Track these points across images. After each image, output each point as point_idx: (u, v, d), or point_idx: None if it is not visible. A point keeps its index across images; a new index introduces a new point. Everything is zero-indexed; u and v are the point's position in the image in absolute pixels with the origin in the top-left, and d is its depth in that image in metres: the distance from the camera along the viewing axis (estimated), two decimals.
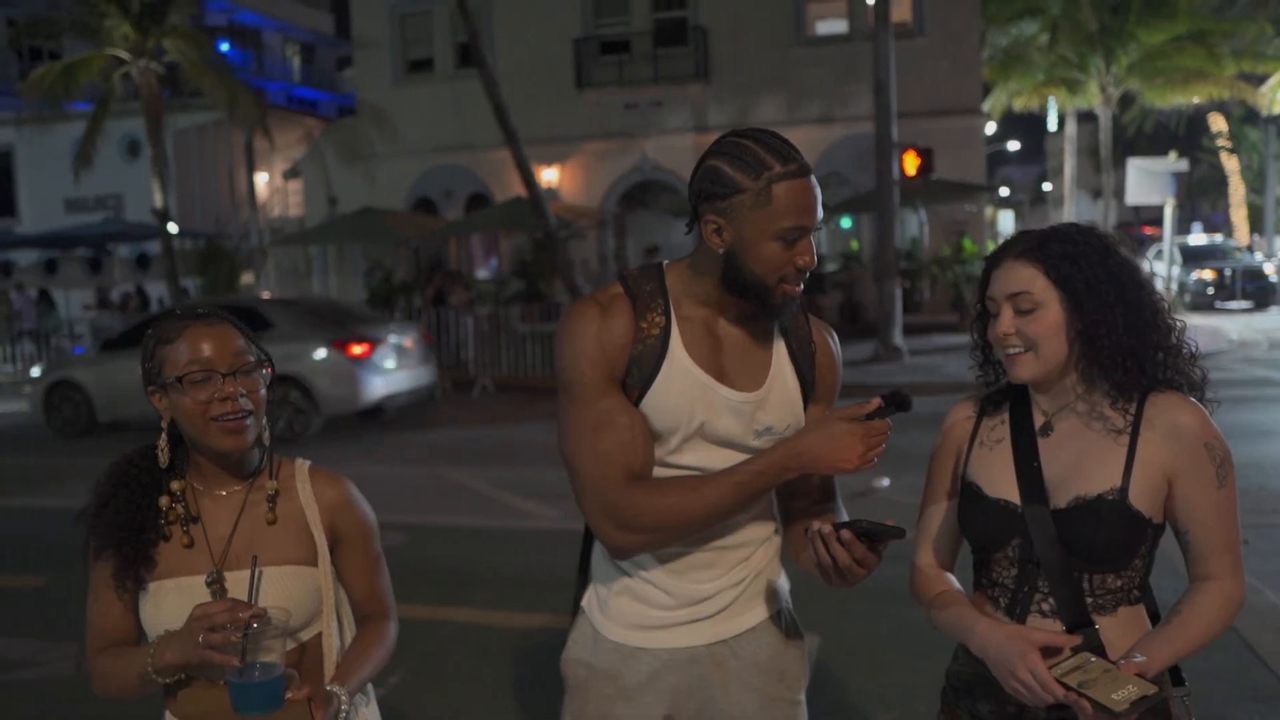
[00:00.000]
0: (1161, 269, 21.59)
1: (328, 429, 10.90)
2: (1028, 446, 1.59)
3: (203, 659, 1.49)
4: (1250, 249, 28.92)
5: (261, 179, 27.14)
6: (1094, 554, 1.52)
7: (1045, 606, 1.56)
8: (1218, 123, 36.22)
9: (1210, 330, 17.78)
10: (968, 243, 19.18)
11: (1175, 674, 1.62)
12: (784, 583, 1.83)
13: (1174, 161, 19.09)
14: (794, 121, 19.49)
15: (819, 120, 19.51)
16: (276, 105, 31.78)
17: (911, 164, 14.74)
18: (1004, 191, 36.76)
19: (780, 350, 1.72)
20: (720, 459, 1.66)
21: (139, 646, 1.63)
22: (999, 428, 1.64)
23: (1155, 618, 1.62)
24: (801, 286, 1.64)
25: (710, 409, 1.64)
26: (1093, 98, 22.97)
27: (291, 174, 24.89)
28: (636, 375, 1.64)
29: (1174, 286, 21.63)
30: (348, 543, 1.76)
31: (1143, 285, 1.57)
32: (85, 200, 25.26)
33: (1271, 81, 24.96)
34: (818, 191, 1.60)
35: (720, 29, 20.02)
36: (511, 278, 19.56)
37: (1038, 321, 1.55)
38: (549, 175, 20.71)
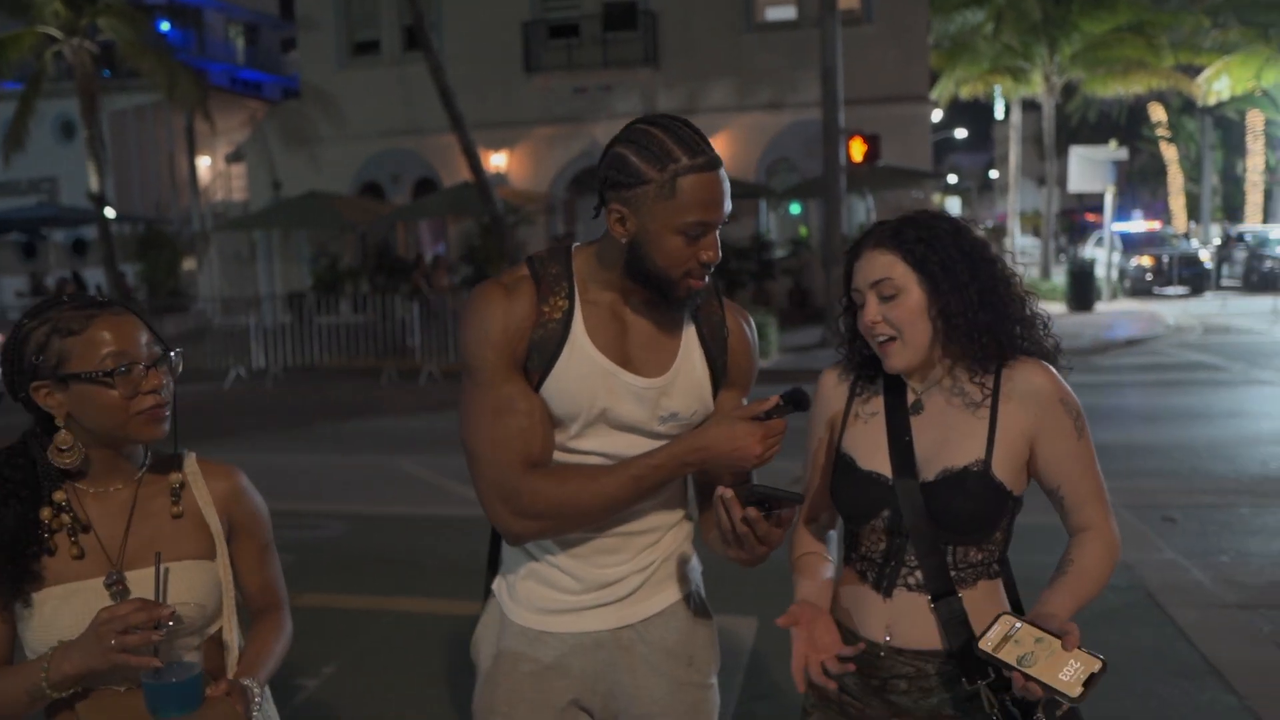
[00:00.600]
0: (1102, 255, 22.04)
1: (263, 418, 10.74)
2: (900, 423, 1.66)
3: (114, 664, 1.44)
4: (1187, 236, 29.61)
5: (203, 163, 26.59)
6: (959, 525, 1.59)
7: (912, 580, 1.62)
8: (1157, 113, 36.95)
9: (1148, 315, 18.19)
10: None
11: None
12: (695, 566, 1.83)
13: (1114, 150, 19.46)
14: (743, 107, 19.52)
15: (768, 106, 19.56)
16: (219, 87, 31.12)
17: (858, 150, 14.84)
18: (952, 179, 37.18)
19: (690, 335, 1.71)
20: (624, 445, 1.66)
21: (25, 663, 1.54)
22: (873, 401, 1.71)
23: (1012, 592, 1.69)
24: (707, 279, 1.64)
25: (612, 395, 1.64)
26: (1037, 86, 23.31)
27: (234, 157, 24.41)
28: (537, 360, 1.63)
29: (1114, 273, 22.09)
30: (243, 534, 1.72)
31: (994, 261, 1.64)
32: (18, 183, 24.55)
33: (1207, 73, 25.54)
34: (726, 186, 1.58)
35: (670, 14, 19.95)
36: (459, 263, 19.40)
37: (901, 306, 1.61)
38: (497, 160, 20.54)
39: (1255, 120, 32.86)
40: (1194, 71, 25.56)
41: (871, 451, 1.67)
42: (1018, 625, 1.46)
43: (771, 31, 19.88)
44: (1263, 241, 24.62)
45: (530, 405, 1.62)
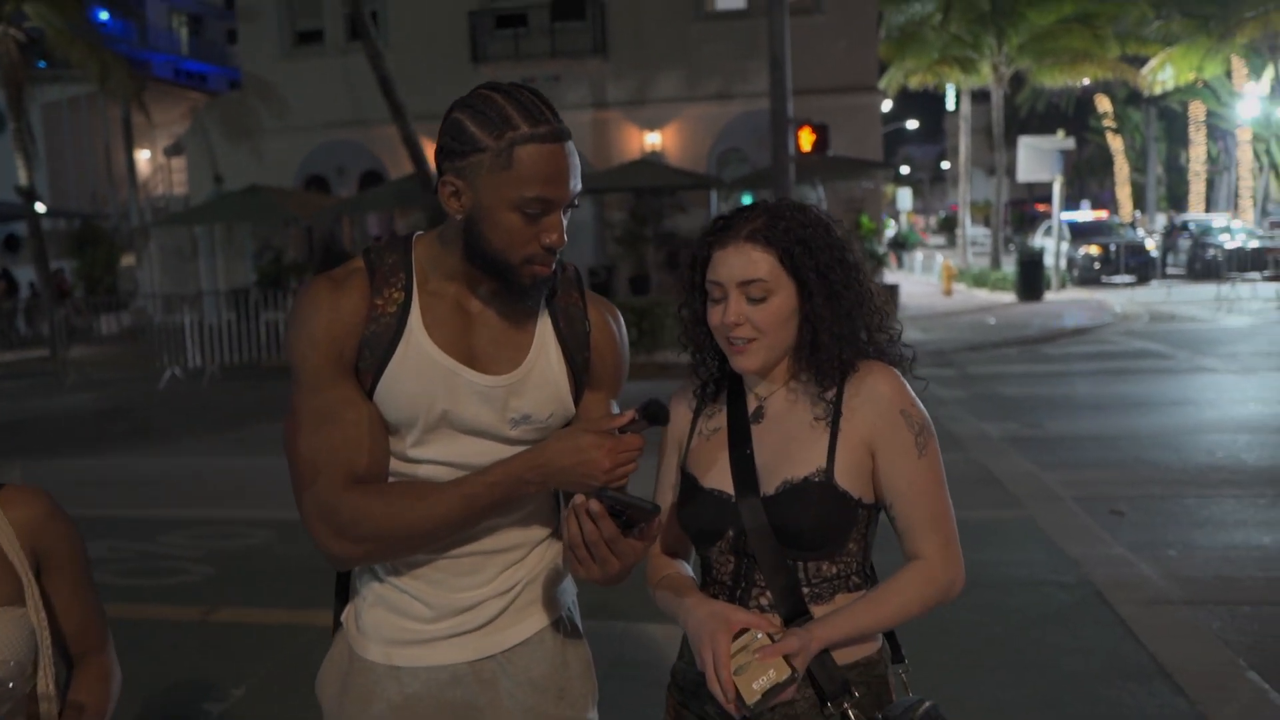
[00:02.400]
0: (1050, 244, 22.21)
1: (196, 419, 10.39)
2: (741, 433, 1.55)
3: None
4: (1134, 225, 30.01)
5: (142, 156, 25.88)
6: (804, 539, 1.47)
7: (764, 601, 1.50)
8: (1103, 104, 37.46)
9: (1095, 304, 18.35)
10: (865, 219, 19.38)
11: (895, 649, 1.59)
12: (567, 587, 1.64)
13: (1062, 140, 19.58)
14: (692, 97, 19.35)
15: (717, 96, 19.41)
16: (162, 79, 30.41)
17: (807, 140, 14.74)
18: (905, 170, 37.41)
19: (545, 330, 1.53)
20: (472, 452, 1.48)
21: None
22: (716, 416, 1.60)
23: None
24: (553, 268, 1.46)
25: (453, 395, 1.46)
26: (985, 77, 23.44)
27: (174, 150, 23.77)
28: (369, 358, 1.44)
29: (1063, 262, 22.28)
30: (53, 567, 1.49)
31: (859, 267, 1.54)
32: None
33: (1152, 64, 25.86)
34: (573, 161, 1.41)
35: (619, 3, 19.71)
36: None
37: (768, 309, 1.49)
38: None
39: (1197, 111, 33.43)
40: (1139, 62, 25.87)
41: (713, 468, 1.55)
42: (758, 635, 1.41)
43: (721, 21, 19.72)
44: (1206, 230, 25.01)
45: (358, 413, 1.44)
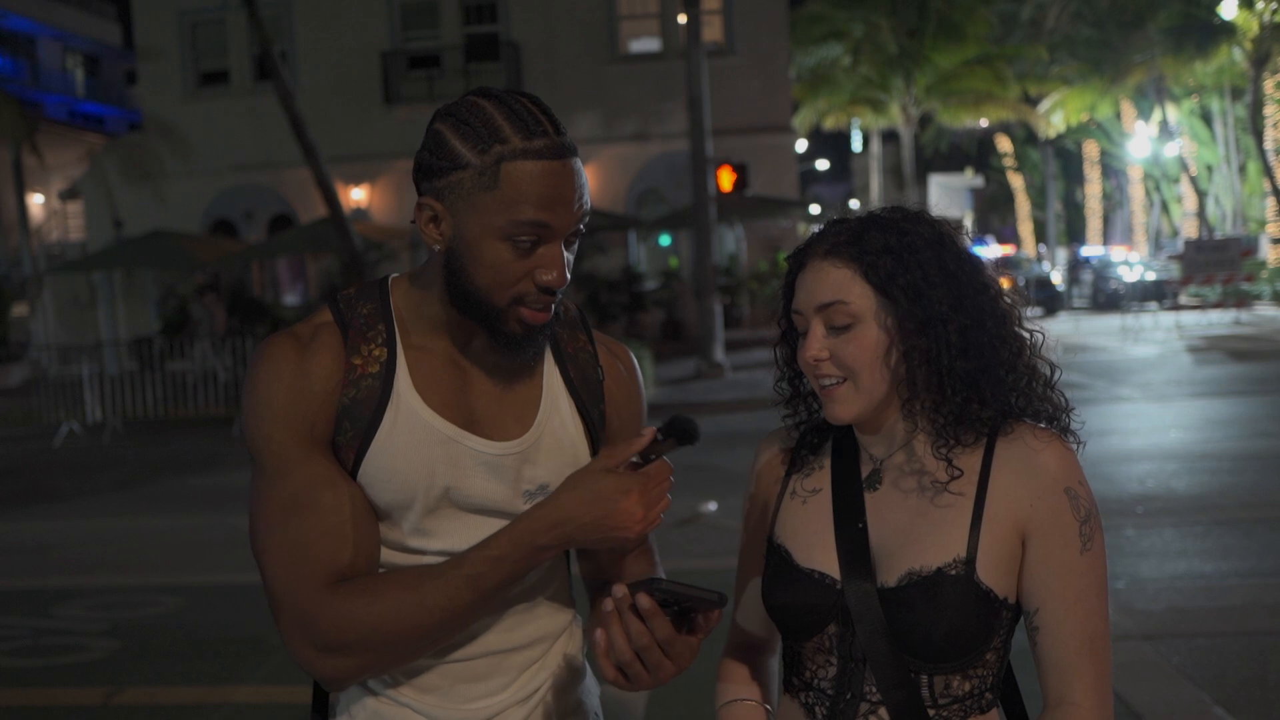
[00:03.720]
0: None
1: (96, 478, 9.76)
2: (851, 502, 1.22)
3: None
4: (1039, 260, 31.04)
5: (36, 200, 24.76)
6: (933, 648, 1.15)
7: None
8: (1004, 144, 38.90)
9: None
10: (783, 258, 19.54)
11: None
12: (591, 687, 1.37)
13: (971, 177, 20.15)
14: (610, 138, 19.36)
15: (634, 137, 19.46)
16: (55, 120, 29.24)
17: (727, 180, 14.80)
18: (815, 209, 38.21)
19: (554, 381, 1.28)
20: (483, 534, 1.21)
21: None
22: (816, 474, 1.27)
23: None
24: (551, 313, 1.20)
25: (456, 468, 1.21)
26: (895, 117, 24.07)
27: (69, 194, 22.83)
28: (349, 431, 1.18)
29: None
30: None
31: (987, 286, 1.20)
32: None
33: (1046, 105, 26.94)
34: (578, 182, 1.16)
35: (533, 45, 19.69)
36: (320, 303, 18.51)
37: (855, 341, 1.18)
38: (357, 194, 19.79)
39: (1091, 151, 34.96)
40: (1037, 102, 26.93)
41: (812, 542, 1.23)
42: None
43: (636, 63, 19.85)
44: (1106, 264, 26.04)
45: (337, 496, 1.17)
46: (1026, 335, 1.23)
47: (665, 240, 20.83)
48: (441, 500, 1.21)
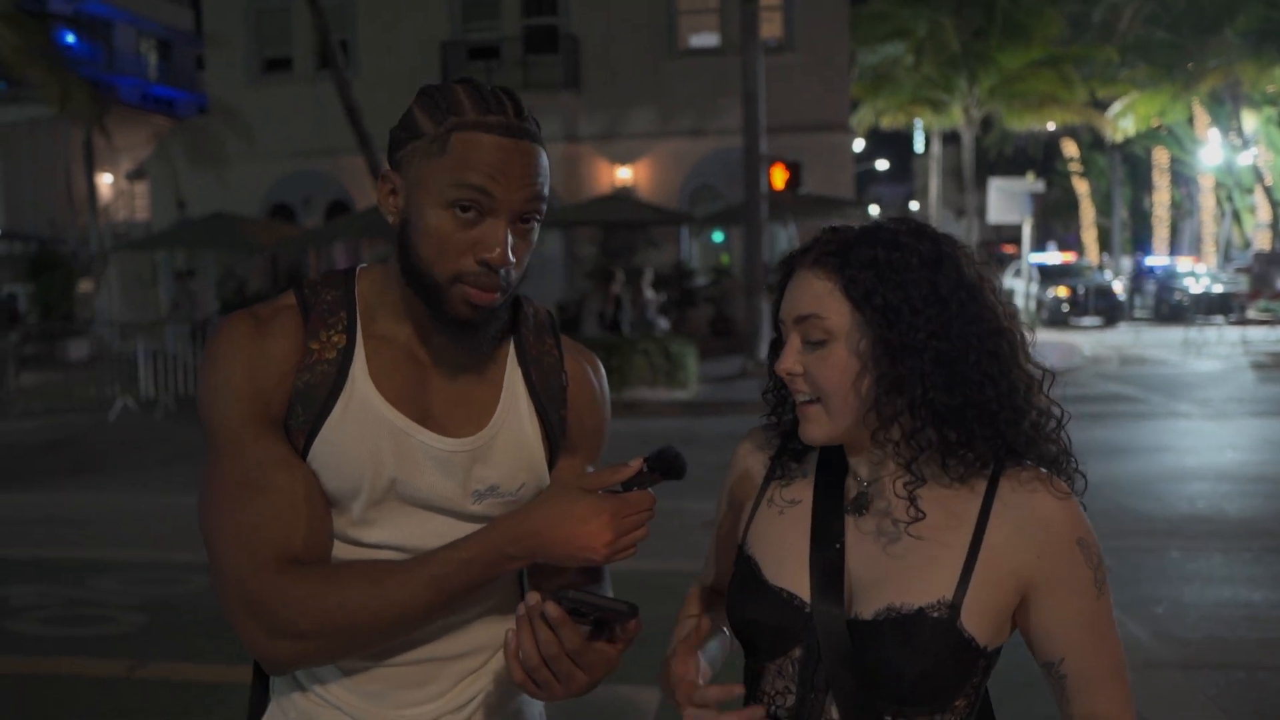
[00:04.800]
0: (1020, 286, 22.33)
1: (145, 454, 9.97)
2: (830, 521, 1.15)
3: None
4: (1101, 268, 30.32)
5: (104, 180, 25.42)
6: (902, 689, 1.08)
7: None
8: (1069, 149, 38.03)
9: (1066, 346, 18.35)
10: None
11: None
12: (533, 701, 1.34)
13: (1031, 182, 19.74)
14: (665, 133, 19.29)
15: (690, 132, 19.36)
16: (128, 103, 29.97)
17: (780, 178, 14.67)
18: (874, 209, 37.74)
19: (514, 383, 1.26)
20: (427, 531, 1.19)
21: None
22: (797, 484, 1.20)
23: None
24: (498, 296, 1.16)
25: (405, 461, 1.18)
26: (956, 118, 23.66)
27: (136, 175, 23.37)
28: (301, 414, 1.17)
29: (1032, 303, 22.39)
30: None
31: (981, 318, 1.11)
32: None
33: (1116, 109, 26.26)
34: (532, 164, 1.14)
35: (592, 38, 19.68)
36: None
37: (829, 359, 1.11)
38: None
39: (1161, 157, 34.01)
40: (1105, 106, 26.26)
41: (783, 558, 1.16)
42: None
43: (694, 58, 19.73)
44: (1171, 274, 25.32)
45: (291, 477, 1.15)
46: (1035, 372, 1.15)
47: (718, 237, 20.71)
48: (387, 492, 1.19)
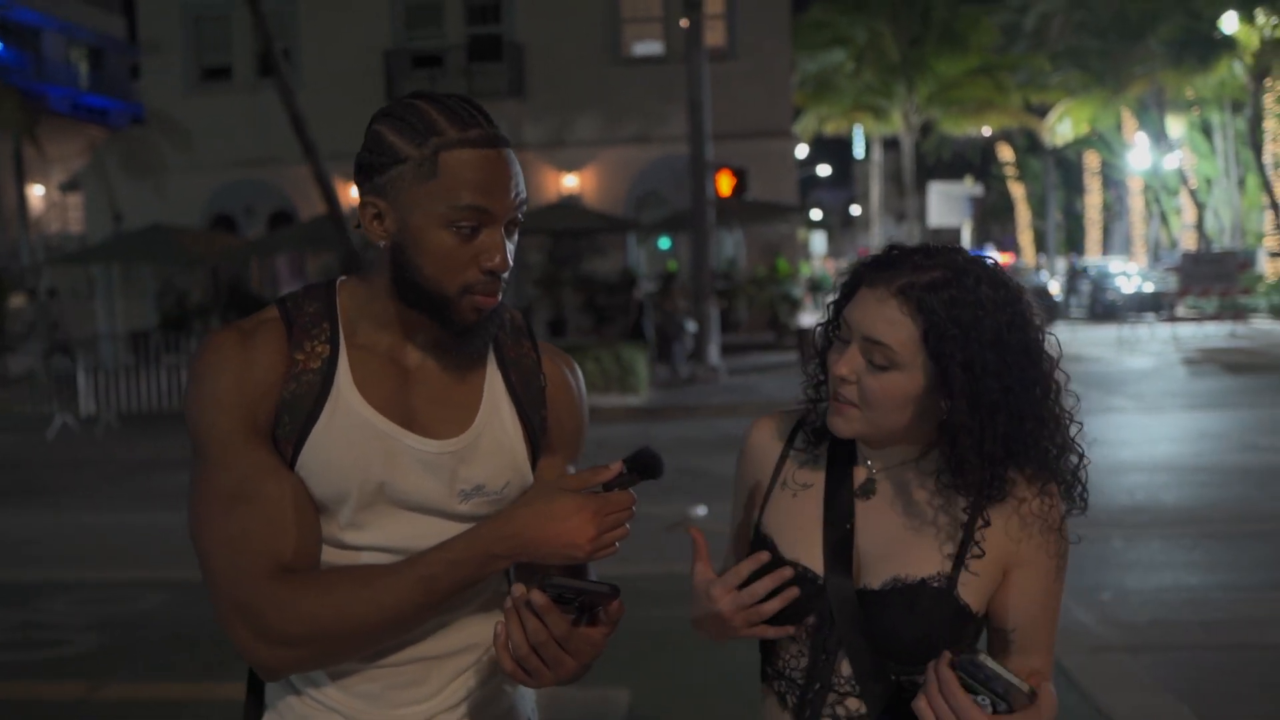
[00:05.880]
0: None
1: (87, 473, 9.77)
2: (841, 503, 1.28)
3: None
4: (1038, 269, 31.05)
5: (36, 192, 24.77)
6: (905, 650, 1.24)
7: (840, 711, 1.26)
8: (1005, 153, 38.93)
9: None
10: (782, 263, 19.59)
11: None
12: (525, 695, 1.39)
13: (970, 186, 20.17)
14: (610, 140, 19.38)
15: (635, 140, 19.48)
16: (59, 112, 29.25)
17: (726, 184, 14.83)
18: (816, 214, 38.21)
19: (495, 385, 1.31)
20: (416, 532, 1.24)
21: None
22: (809, 469, 1.32)
23: None
24: (499, 298, 1.24)
25: (392, 464, 1.23)
26: (896, 124, 24.11)
27: (69, 187, 22.82)
28: (288, 424, 1.21)
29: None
30: None
31: (1038, 364, 1.22)
32: None
33: (1051, 117, 26.98)
34: (513, 170, 1.22)
35: (536, 46, 19.71)
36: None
37: (886, 383, 1.22)
38: (356, 192, 19.78)
39: (1092, 161, 34.97)
40: (1040, 112, 26.95)
41: (798, 536, 1.29)
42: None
43: (638, 66, 19.86)
44: (1105, 274, 26.02)
45: (280, 486, 1.19)
46: (1067, 412, 1.27)
47: (664, 243, 20.84)
48: (376, 496, 1.23)
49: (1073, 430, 1.27)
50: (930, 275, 1.21)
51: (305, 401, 1.20)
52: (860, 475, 1.31)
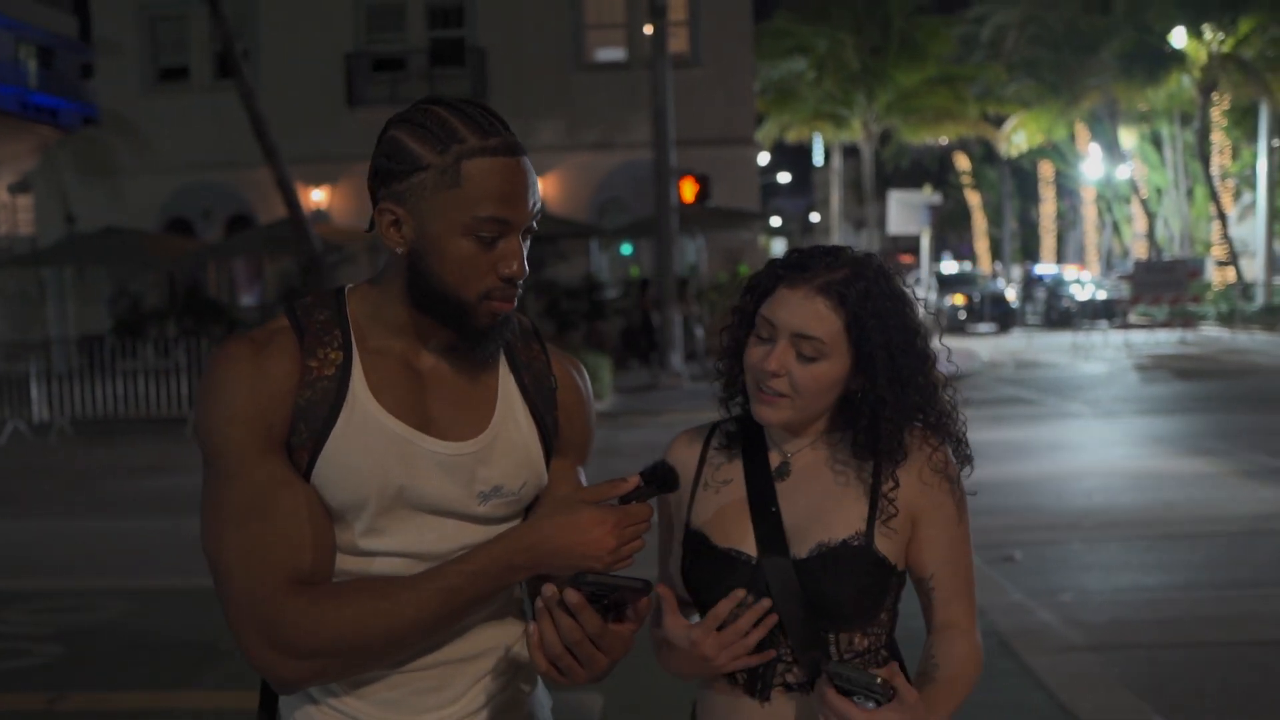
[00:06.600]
0: (920, 294, 23.16)
1: (42, 479, 9.57)
2: (764, 490, 1.40)
3: None
4: (995, 277, 31.55)
5: None
6: (841, 609, 1.35)
7: (790, 678, 1.35)
8: (962, 162, 39.50)
9: (964, 352, 19.07)
10: (744, 270, 19.69)
11: None
12: (541, 697, 1.40)
13: (929, 194, 20.46)
14: (573, 146, 19.37)
15: (598, 146, 19.49)
16: (8, 111, 28.65)
17: (689, 190, 14.89)
18: (775, 221, 38.47)
19: (508, 387, 1.32)
20: (436, 536, 1.24)
21: None
22: (726, 467, 1.43)
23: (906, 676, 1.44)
24: (515, 304, 1.26)
25: (411, 468, 1.23)
26: (856, 133, 24.38)
27: (20, 188, 22.34)
28: (304, 432, 1.20)
29: (931, 311, 23.25)
30: None
31: (927, 358, 1.41)
32: None
33: (1007, 127, 27.44)
34: (531, 179, 1.23)
35: (498, 50, 19.66)
36: (277, 307, 18.30)
37: (814, 372, 1.34)
38: (318, 196, 19.59)
39: (1046, 171, 35.61)
40: (997, 122, 27.40)
41: (729, 525, 1.39)
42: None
43: (601, 72, 19.89)
44: (1059, 282, 26.54)
45: (295, 498, 1.19)
46: (940, 379, 1.43)
47: (627, 249, 20.87)
48: (396, 500, 1.23)
49: (948, 393, 1.42)
50: (842, 273, 1.35)
51: (321, 408, 1.20)
52: (775, 460, 1.42)
